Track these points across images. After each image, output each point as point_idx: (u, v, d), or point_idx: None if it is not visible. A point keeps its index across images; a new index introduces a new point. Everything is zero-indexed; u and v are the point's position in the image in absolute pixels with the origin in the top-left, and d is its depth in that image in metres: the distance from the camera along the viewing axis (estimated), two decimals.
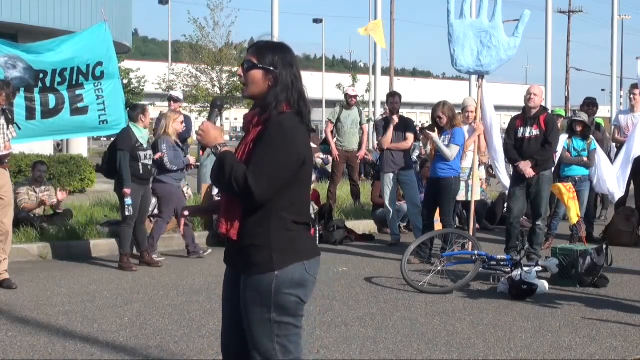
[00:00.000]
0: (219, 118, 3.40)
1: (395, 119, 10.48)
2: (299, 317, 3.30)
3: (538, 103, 9.04)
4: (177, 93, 12.71)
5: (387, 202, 10.59)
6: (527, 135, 8.99)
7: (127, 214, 8.67)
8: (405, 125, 10.59)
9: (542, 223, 9.11)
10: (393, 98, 10.74)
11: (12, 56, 9.47)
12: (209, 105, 36.08)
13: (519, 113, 9.33)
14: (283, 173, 3.16)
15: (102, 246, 9.68)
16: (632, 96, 11.61)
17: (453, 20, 9.85)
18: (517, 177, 9.07)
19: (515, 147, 9.06)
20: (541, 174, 8.95)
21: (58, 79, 9.73)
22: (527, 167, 8.86)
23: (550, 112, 9.36)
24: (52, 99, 9.75)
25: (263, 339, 3.22)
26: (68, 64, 9.77)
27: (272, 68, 3.25)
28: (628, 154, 10.90)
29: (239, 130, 78.72)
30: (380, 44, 20.51)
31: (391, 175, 10.48)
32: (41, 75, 9.63)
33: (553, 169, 10.52)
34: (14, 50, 9.55)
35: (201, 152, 3.37)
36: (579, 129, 10.47)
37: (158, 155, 9.12)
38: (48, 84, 9.69)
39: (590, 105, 11.75)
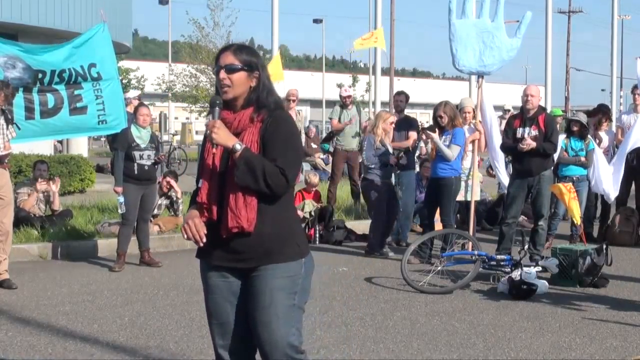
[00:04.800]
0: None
1: (394, 117, 10.50)
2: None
3: (536, 104, 9.00)
4: (134, 93, 12.74)
5: None
6: (526, 135, 8.93)
7: (119, 211, 8.72)
8: (409, 124, 10.58)
9: (544, 223, 9.10)
10: (398, 97, 10.75)
11: (12, 56, 9.46)
12: (209, 106, 36.80)
13: (517, 112, 9.28)
14: (301, 162, 3.53)
15: (102, 246, 9.68)
16: (635, 97, 11.59)
17: (455, 19, 9.82)
18: (517, 177, 9.03)
19: (514, 148, 9.02)
20: (541, 173, 8.91)
21: (57, 79, 9.73)
22: (529, 142, 8.75)
23: (549, 112, 9.34)
24: (50, 99, 9.75)
25: (286, 325, 3.36)
26: (66, 65, 9.77)
27: (253, 69, 3.42)
28: (622, 152, 10.89)
29: None
30: (381, 47, 20.51)
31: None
32: (40, 76, 9.63)
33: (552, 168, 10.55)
34: (13, 49, 9.55)
35: (214, 150, 3.37)
36: (575, 128, 10.47)
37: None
38: (46, 84, 9.69)
39: (602, 113, 11.74)
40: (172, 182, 10.72)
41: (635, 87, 11.68)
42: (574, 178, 10.28)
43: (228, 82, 3.37)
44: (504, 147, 9.41)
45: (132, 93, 12.72)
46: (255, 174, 3.23)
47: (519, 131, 8.98)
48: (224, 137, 3.29)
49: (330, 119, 13.15)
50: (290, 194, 3.48)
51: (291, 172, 3.31)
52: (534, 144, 8.76)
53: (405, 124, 10.53)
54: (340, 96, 13.10)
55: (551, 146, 8.95)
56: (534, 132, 8.90)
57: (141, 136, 8.83)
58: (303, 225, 11.10)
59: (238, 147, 3.27)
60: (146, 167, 8.81)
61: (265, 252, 3.35)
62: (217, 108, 3.38)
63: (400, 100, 10.69)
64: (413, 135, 10.58)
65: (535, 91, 9.08)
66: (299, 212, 10.99)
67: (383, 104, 20.66)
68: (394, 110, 11.12)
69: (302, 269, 3.43)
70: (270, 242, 3.35)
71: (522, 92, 9.18)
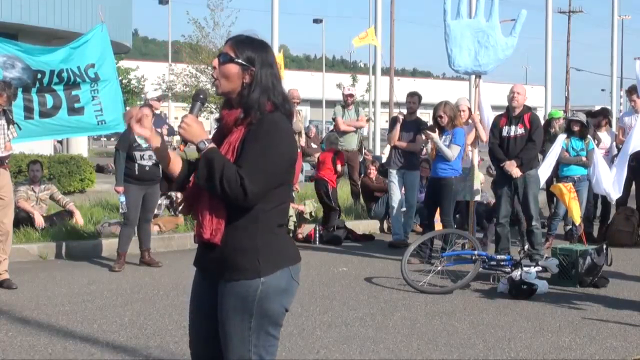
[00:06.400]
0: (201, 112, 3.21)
1: (400, 118, 10.53)
2: (279, 327, 3.17)
3: (522, 102, 9.00)
4: (153, 93, 12.81)
5: (392, 199, 10.56)
6: (512, 134, 8.93)
7: (120, 211, 8.72)
8: (418, 127, 10.47)
9: (537, 223, 9.06)
10: (411, 98, 10.73)
11: (11, 56, 9.48)
12: (208, 106, 36.38)
13: (503, 112, 9.30)
14: (279, 173, 3.07)
15: (102, 246, 9.68)
16: (631, 102, 11.62)
17: (449, 20, 9.83)
18: (503, 178, 9.02)
19: (500, 147, 9.03)
20: (527, 173, 8.90)
21: (55, 80, 9.75)
22: (513, 167, 8.80)
23: (534, 110, 9.32)
24: (49, 99, 9.77)
25: (240, 349, 3.09)
26: (64, 65, 9.79)
27: (248, 65, 3.09)
28: (624, 153, 10.89)
29: None
30: (375, 44, 20.57)
31: (394, 171, 10.49)
32: (39, 76, 9.65)
33: (551, 169, 10.54)
34: (12, 49, 9.56)
35: (181, 147, 3.20)
36: (576, 128, 10.47)
37: None
38: (45, 84, 9.70)
39: (602, 116, 11.79)
40: None
41: (627, 91, 11.73)
42: (575, 178, 10.28)
43: (216, 73, 3.11)
44: (491, 151, 9.34)
45: (152, 93, 12.77)
46: (212, 176, 2.94)
47: (505, 130, 9.00)
48: (192, 133, 3.03)
49: (334, 118, 13.14)
50: (270, 206, 3.09)
51: (253, 184, 2.94)
52: (519, 173, 8.76)
53: (415, 126, 10.43)
54: (342, 94, 13.13)
55: (532, 145, 8.91)
56: (520, 131, 8.91)
57: None
58: (304, 225, 11.08)
59: (202, 145, 3.00)
60: (147, 168, 8.78)
61: (224, 266, 3.09)
62: (198, 102, 3.14)
63: (412, 102, 10.65)
64: (419, 139, 10.49)
65: (522, 89, 9.09)
66: (301, 207, 10.98)
67: (383, 103, 20.69)
68: (406, 112, 11.08)
69: (259, 290, 3.05)
70: (228, 255, 3.07)
71: (508, 91, 9.17)
